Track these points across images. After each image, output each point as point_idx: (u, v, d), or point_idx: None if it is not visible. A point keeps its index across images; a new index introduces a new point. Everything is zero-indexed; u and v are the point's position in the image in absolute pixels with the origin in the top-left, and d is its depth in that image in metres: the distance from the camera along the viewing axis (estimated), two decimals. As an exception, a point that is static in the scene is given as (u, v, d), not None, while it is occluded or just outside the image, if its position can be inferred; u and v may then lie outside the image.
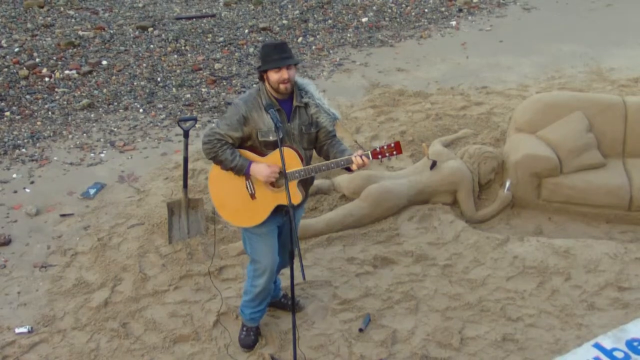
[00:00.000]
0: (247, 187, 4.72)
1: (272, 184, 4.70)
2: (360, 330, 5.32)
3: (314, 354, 5.12)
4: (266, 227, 4.82)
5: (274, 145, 4.65)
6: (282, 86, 4.60)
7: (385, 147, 4.59)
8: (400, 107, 8.72)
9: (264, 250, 4.87)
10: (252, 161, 4.64)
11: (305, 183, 4.84)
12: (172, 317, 5.51)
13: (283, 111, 4.67)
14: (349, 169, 4.70)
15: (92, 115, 8.75)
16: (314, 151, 4.92)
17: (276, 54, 4.60)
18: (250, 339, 5.20)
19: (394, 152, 4.59)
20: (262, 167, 4.62)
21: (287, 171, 4.57)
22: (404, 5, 12.83)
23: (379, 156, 4.60)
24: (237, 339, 5.24)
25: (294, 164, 4.64)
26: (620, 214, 6.63)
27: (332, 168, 4.67)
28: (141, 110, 8.92)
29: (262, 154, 4.69)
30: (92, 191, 7.09)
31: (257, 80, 4.90)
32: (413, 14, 12.46)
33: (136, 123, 8.57)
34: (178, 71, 10.01)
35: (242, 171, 4.63)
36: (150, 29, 11.51)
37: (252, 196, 4.72)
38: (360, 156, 4.58)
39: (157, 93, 9.37)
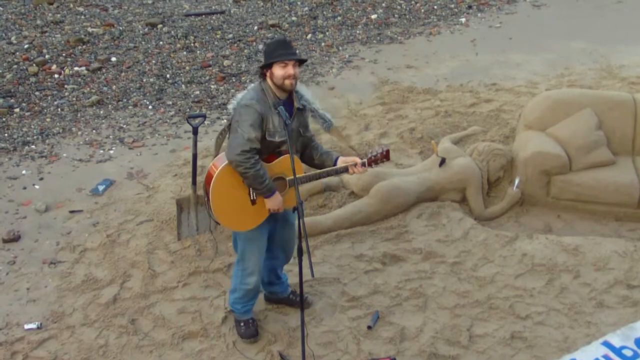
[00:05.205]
0: (249, 194, 4.74)
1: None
2: (369, 327, 5.32)
3: (323, 350, 5.13)
4: (258, 230, 4.88)
5: (276, 146, 4.70)
6: (287, 82, 4.61)
7: (378, 155, 4.91)
8: (410, 104, 8.71)
9: (253, 251, 4.95)
10: (275, 189, 4.71)
11: None
12: (180, 314, 5.52)
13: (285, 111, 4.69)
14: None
15: (101, 112, 8.77)
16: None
17: (282, 49, 4.64)
18: (251, 329, 5.22)
19: (384, 160, 4.95)
20: (278, 199, 4.73)
21: (294, 177, 4.67)
22: (413, 2, 12.81)
23: (372, 164, 4.92)
24: (239, 335, 5.24)
25: (297, 169, 4.72)
26: (629, 211, 6.60)
27: (331, 174, 4.99)
28: (150, 107, 8.93)
29: (262, 156, 4.71)
30: (101, 188, 7.11)
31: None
32: (422, 10, 12.44)
33: (145, 120, 8.59)
34: (187, 68, 10.03)
35: (266, 194, 4.69)
36: (159, 26, 11.53)
37: (253, 202, 4.77)
38: (361, 165, 4.86)
39: (166, 90, 9.38)
